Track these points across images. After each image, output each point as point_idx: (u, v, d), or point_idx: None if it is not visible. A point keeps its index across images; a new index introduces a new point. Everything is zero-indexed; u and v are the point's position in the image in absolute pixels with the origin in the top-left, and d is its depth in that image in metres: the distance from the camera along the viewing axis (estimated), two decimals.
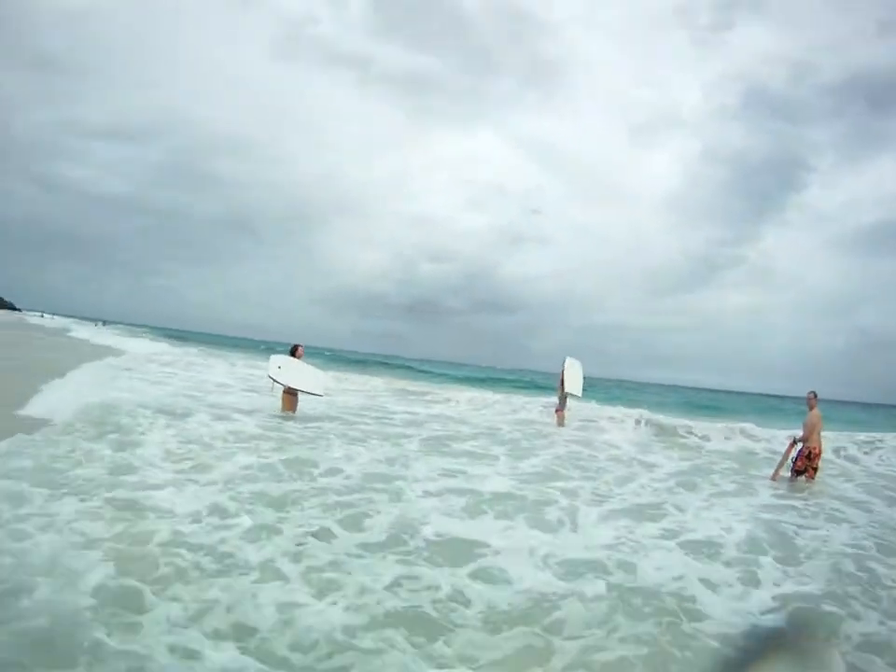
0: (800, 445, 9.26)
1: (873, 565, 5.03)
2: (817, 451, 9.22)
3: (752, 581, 4.43)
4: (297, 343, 10.86)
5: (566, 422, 13.91)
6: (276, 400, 10.74)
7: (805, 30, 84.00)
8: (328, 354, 40.79)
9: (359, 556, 4.24)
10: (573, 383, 14.06)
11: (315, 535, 4.55)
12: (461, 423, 12.86)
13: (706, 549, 5.10)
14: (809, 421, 9.27)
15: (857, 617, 3.88)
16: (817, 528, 6.28)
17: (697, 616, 3.66)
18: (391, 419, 11.98)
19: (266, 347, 43.64)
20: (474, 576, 4.05)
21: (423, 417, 13.01)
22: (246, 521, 4.66)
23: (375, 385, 18.44)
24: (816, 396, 9.39)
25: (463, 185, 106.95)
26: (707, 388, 55.00)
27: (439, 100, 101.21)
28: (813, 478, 9.17)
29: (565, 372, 13.98)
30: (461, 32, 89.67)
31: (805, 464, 9.16)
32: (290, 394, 10.36)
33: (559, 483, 7.29)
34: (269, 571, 3.79)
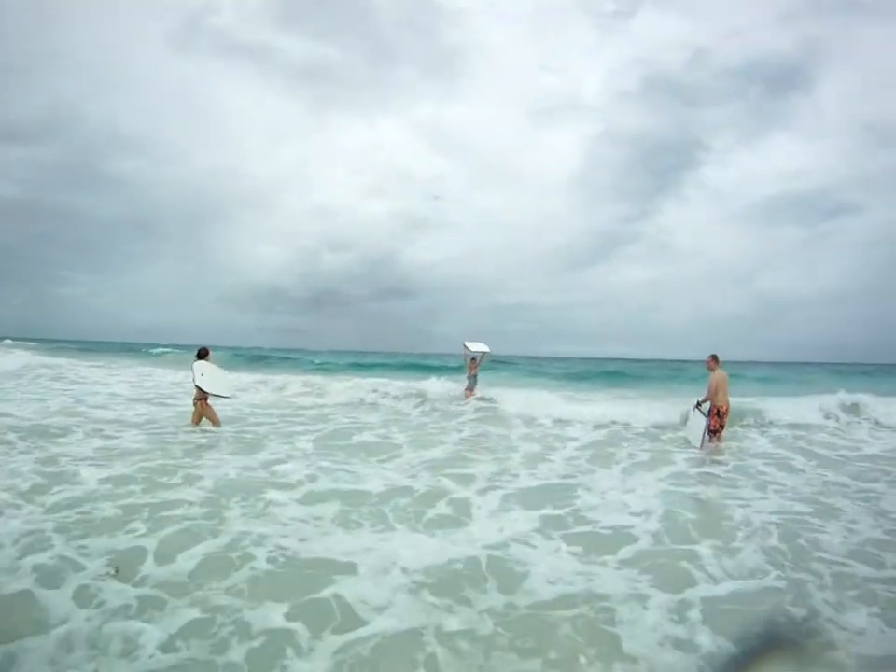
0: (707, 406, 9.13)
1: (820, 537, 4.57)
2: (725, 409, 9.19)
3: (680, 583, 3.61)
4: (203, 345, 9.53)
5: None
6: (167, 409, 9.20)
7: (706, 18, 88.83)
8: (233, 352, 38.37)
9: (160, 598, 3.17)
10: (478, 346, 13.69)
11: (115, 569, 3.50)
12: (367, 411, 11.89)
13: (617, 542, 4.37)
14: (711, 381, 9.22)
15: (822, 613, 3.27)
16: (744, 498, 5.80)
17: (606, 656, 2.77)
18: (292, 416, 10.77)
19: (161, 352, 40.97)
20: (296, 615, 3.06)
21: (327, 411, 11.89)
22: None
23: (280, 381, 17.08)
24: (715, 358, 9.30)
25: (365, 174, 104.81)
26: (615, 358, 57.25)
27: (340, 90, 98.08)
28: (721, 439, 9.11)
29: (467, 347, 13.54)
30: (363, 21, 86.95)
31: (717, 422, 9.07)
32: (202, 400, 8.99)
33: (461, 470, 6.53)
34: None
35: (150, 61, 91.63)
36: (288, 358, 36.48)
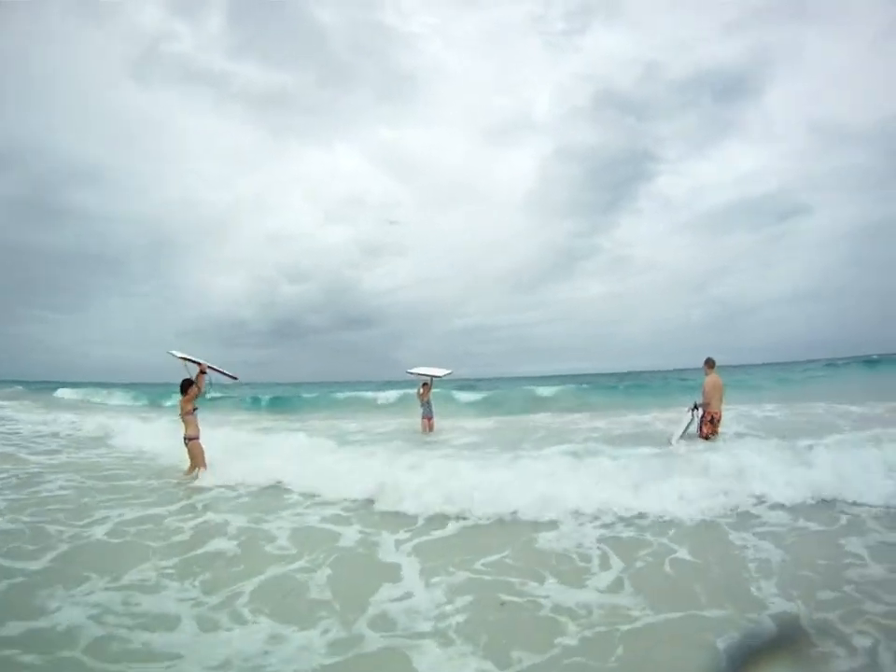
0: (700, 411, 8.94)
1: None
2: (718, 416, 9.02)
3: None
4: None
5: (435, 428, 12.27)
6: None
7: (653, 32, 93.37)
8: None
9: None
10: (432, 370, 12.42)
11: None
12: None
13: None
14: (706, 386, 9.03)
15: None
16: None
17: None
18: None
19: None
20: None
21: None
22: None
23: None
24: (710, 362, 9.14)
25: (321, 200, 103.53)
26: (576, 374, 58.05)
27: (296, 116, 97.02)
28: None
29: (418, 374, 12.39)
30: (318, 46, 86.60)
31: (710, 429, 8.86)
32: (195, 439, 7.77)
33: None
34: None
35: (107, 90, 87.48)
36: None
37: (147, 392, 32.05)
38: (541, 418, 14.61)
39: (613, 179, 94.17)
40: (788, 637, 2.97)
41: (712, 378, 9.01)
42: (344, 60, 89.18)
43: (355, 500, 6.13)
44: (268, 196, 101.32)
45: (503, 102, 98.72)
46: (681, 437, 8.80)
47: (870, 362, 28.51)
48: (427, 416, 12.28)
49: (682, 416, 9.20)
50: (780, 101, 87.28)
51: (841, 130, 78.45)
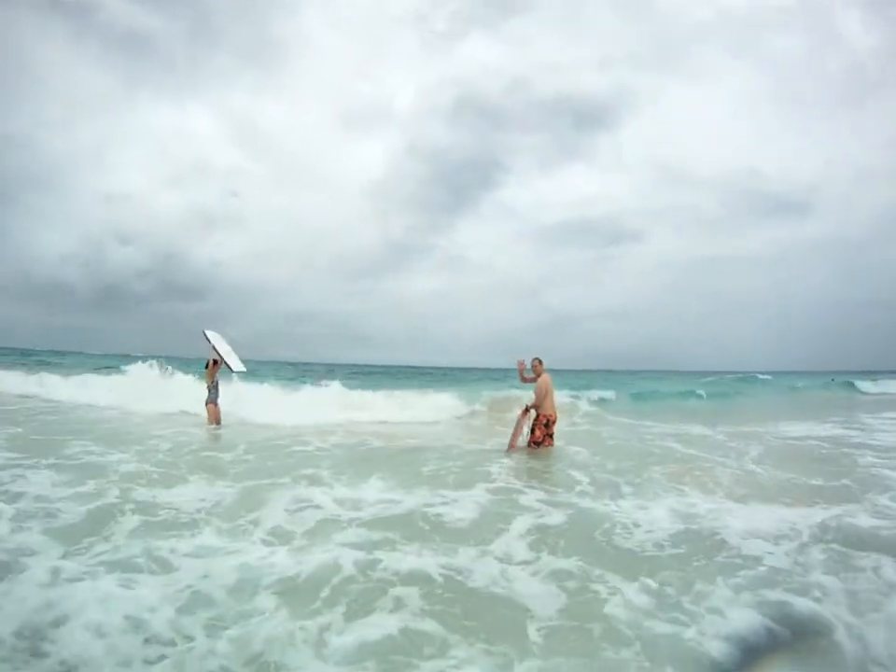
0: (534, 413, 9.02)
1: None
2: (553, 417, 9.10)
3: None
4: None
5: (220, 417, 10.75)
6: None
7: (530, 51, 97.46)
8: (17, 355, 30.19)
9: None
10: (232, 358, 10.79)
11: None
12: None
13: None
14: (539, 387, 8.99)
15: None
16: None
17: None
18: None
19: None
20: None
21: None
22: None
23: None
24: (541, 362, 9.19)
25: (164, 161, 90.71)
26: (403, 365, 58.84)
27: (154, 66, 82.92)
28: (552, 445, 9.06)
29: (216, 349, 10.60)
30: None
31: (544, 433, 8.96)
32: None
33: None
34: None
35: None
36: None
37: None
38: None
39: (459, 182, 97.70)
40: (788, 637, 2.98)
41: (544, 378, 8.98)
42: (220, 14, 79.18)
43: None
44: (109, 148, 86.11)
45: (367, 89, 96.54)
46: (517, 441, 8.87)
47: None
48: (213, 402, 10.65)
49: (518, 420, 9.11)
50: (632, 136, 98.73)
51: (683, 173, 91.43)
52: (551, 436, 9.09)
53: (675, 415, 15.83)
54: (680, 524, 5.08)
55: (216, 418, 10.56)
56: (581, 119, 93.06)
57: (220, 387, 10.86)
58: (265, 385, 15.87)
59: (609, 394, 19.47)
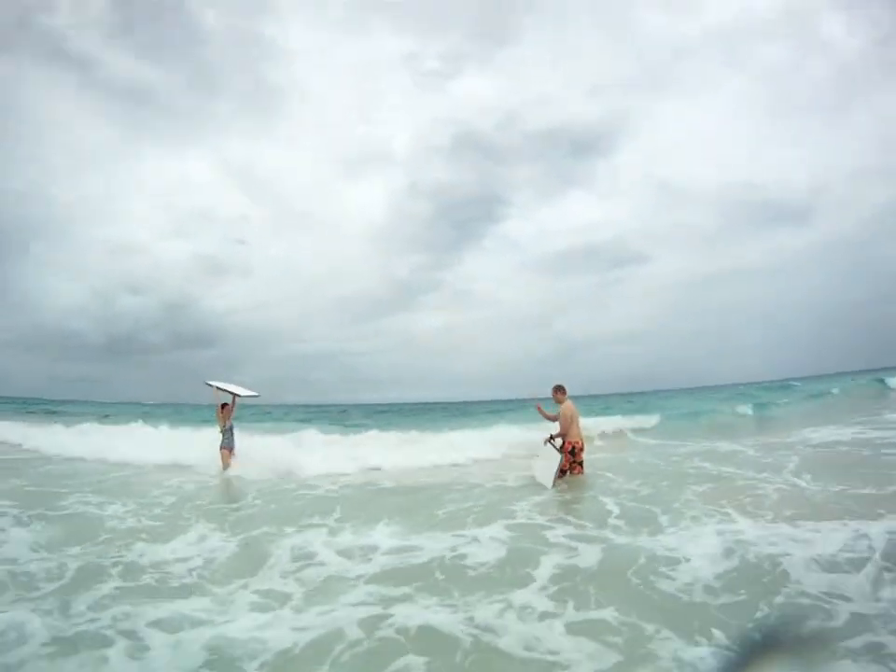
0: (559, 442, 8.48)
1: None
2: (580, 445, 8.57)
3: None
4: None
5: (233, 462, 10.12)
6: None
7: (521, 84, 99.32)
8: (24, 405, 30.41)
9: None
10: (240, 389, 10.51)
11: None
12: None
13: None
14: (563, 414, 8.53)
15: None
16: None
17: None
18: None
19: None
20: None
21: None
22: None
23: None
24: (563, 389, 8.70)
25: (170, 210, 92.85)
26: (414, 402, 58.12)
27: (156, 117, 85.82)
28: (581, 472, 8.48)
29: (221, 388, 10.26)
30: (194, 47, 78.08)
31: (570, 460, 8.41)
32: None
33: None
34: None
35: None
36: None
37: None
38: None
39: (462, 217, 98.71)
40: (788, 638, 2.94)
41: (567, 405, 8.54)
42: (218, 65, 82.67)
43: None
44: (113, 199, 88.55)
45: (364, 132, 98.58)
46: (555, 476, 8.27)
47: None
48: (227, 447, 10.16)
49: (544, 452, 8.51)
50: (628, 159, 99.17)
51: (682, 190, 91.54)
52: (580, 464, 8.55)
53: (706, 432, 15.01)
54: (731, 556, 4.47)
55: (229, 463, 10.04)
56: (577, 148, 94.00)
57: (235, 433, 10.41)
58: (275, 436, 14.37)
59: (651, 419, 17.25)
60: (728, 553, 4.55)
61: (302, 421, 21.90)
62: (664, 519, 5.76)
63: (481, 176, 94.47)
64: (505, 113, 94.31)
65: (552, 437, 8.50)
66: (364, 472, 10.05)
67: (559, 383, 8.70)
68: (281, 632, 3.29)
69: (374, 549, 5.05)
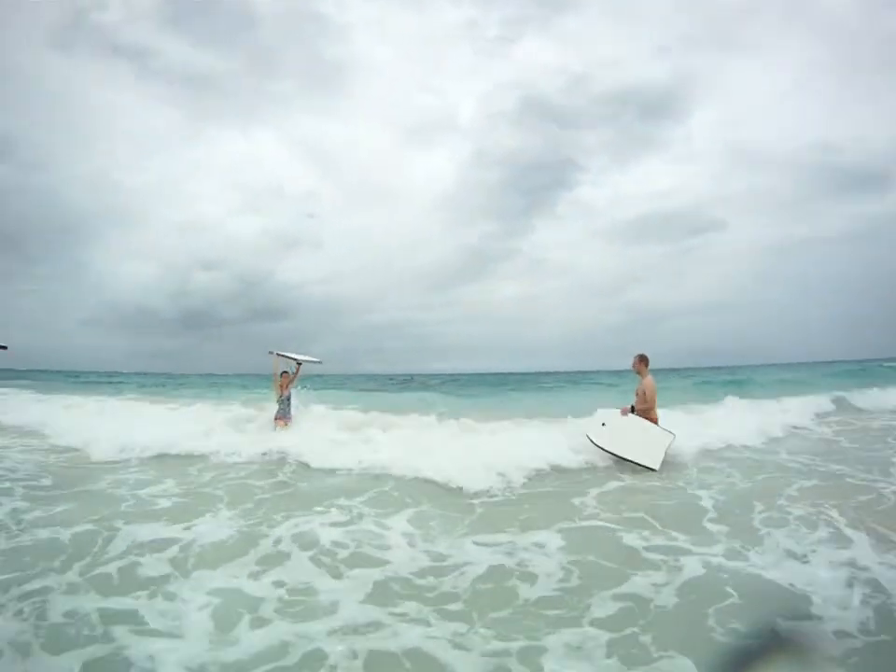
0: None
1: None
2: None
3: None
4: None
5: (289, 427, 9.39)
6: None
7: (584, 47, 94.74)
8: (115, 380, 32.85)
9: None
10: (304, 356, 9.89)
11: None
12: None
13: None
14: (643, 389, 7.49)
15: None
16: None
17: None
18: None
19: None
20: None
21: None
22: None
23: None
24: (645, 360, 7.56)
25: (238, 188, 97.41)
26: (488, 373, 57.37)
27: (217, 100, 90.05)
28: None
29: (284, 355, 9.68)
30: (249, 31, 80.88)
31: None
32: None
33: None
34: None
35: (27, 56, 76.31)
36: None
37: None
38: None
39: (532, 184, 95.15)
40: (788, 638, 2.88)
41: (649, 380, 7.48)
42: (274, 46, 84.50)
43: None
44: (182, 182, 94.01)
45: (428, 102, 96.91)
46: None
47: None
48: (281, 417, 9.47)
49: (631, 425, 7.30)
50: (701, 123, 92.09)
51: (757, 154, 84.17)
52: None
53: None
54: (862, 593, 3.28)
55: (282, 426, 9.43)
56: (648, 111, 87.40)
57: (293, 401, 9.73)
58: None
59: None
60: (855, 584, 3.38)
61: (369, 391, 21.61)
62: (764, 530, 4.52)
63: (549, 142, 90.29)
64: (570, 76, 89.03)
65: (633, 409, 7.45)
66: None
67: (642, 352, 7.62)
68: None
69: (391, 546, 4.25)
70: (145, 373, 47.29)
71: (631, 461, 6.93)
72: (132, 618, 3.12)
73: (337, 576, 3.78)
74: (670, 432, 7.10)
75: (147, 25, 78.93)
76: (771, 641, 2.79)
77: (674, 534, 4.44)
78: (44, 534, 4.50)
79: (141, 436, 8.51)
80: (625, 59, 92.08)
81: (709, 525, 4.68)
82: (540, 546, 4.26)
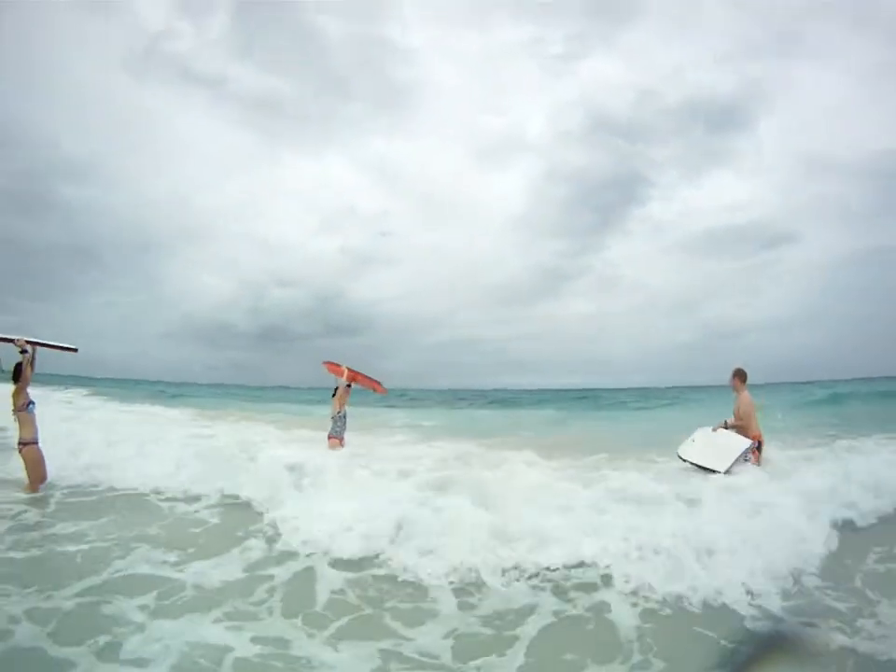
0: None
1: None
2: (762, 440, 6.92)
3: None
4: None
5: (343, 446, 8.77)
6: None
7: (648, 61, 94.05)
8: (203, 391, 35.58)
9: None
10: (360, 375, 9.42)
11: None
12: None
13: None
14: (740, 406, 6.96)
15: None
16: None
17: None
18: None
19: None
20: None
21: None
22: None
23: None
24: (743, 375, 7.04)
25: (312, 209, 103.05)
26: (559, 389, 56.00)
27: (289, 123, 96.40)
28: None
29: (338, 364, 9.17)
30: (318, 56, 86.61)
31: (757, 458, 6.74)
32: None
33: None
34: None
35: (105, 84, 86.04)
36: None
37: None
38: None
39: (602, 201, 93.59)
40: (788, 638, 2.82)
41: (747, 395, 6.97)
42: (342, 70, 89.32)
43: None
44: (256, 202, 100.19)
45: (496, 121, 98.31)
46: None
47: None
48: (335, 436, 8.84)
49: (714, 436, 6.80)
50: (770, 132, 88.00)
51: (829, 162, 79.19)
52: (758, 463, 6.77)
53: None
54: None
55: (337, 446, 8.73)
56: (715, 123, 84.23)
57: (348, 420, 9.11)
58: None
59: None
60: None
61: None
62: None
63: (618, 158, 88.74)
64: (636, 90, 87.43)
65: (726, 424, 6.91)
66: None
67: (740, 367, 7.12)
68: None
69: None
70: (237, 385, 49.35)
71: (702, 466, 6.45)
72: None
73: None
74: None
75: (217, 53, 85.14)
76: (767, 641, 2.77)
77: None
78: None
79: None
80: (688, 70, 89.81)
81: None
82: None
